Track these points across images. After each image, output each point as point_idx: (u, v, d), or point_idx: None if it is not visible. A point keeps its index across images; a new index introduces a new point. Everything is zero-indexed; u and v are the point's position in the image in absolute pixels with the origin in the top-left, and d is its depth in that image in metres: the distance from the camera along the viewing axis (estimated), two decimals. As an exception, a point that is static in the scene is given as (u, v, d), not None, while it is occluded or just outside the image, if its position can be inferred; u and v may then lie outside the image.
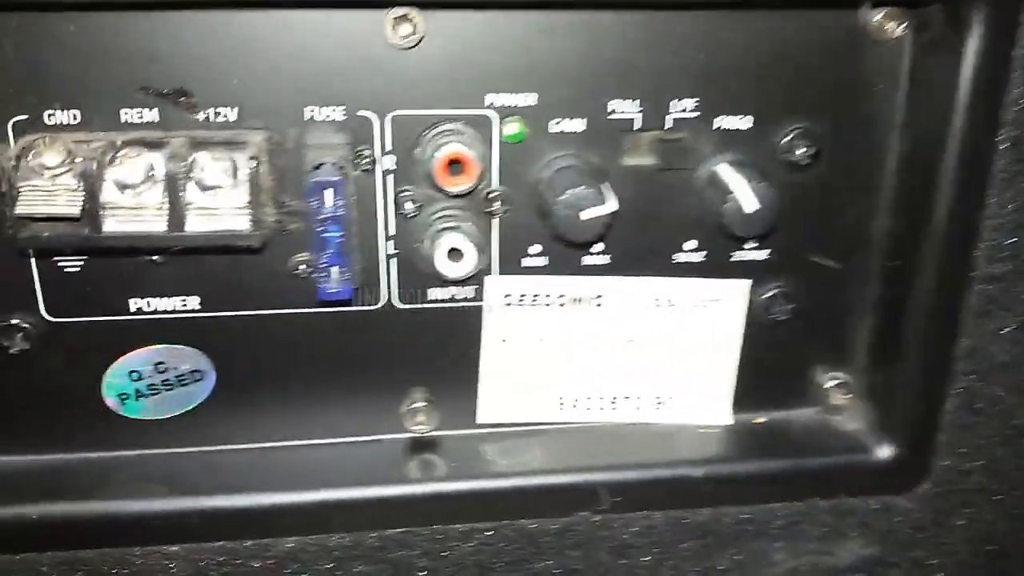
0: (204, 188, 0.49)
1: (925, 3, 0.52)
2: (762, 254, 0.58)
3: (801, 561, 0.65)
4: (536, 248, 0.56)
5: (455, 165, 0.52)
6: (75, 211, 0.47)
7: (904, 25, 0.53)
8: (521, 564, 0.60)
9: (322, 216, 0.50)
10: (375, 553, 0.58)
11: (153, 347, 0.57)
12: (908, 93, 0.55)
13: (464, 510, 0.58)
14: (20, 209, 0.47)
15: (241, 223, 0.49)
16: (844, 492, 0.62)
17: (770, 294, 0.59)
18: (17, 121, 0.49)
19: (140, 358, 0.57)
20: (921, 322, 0.58)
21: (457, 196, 0.53)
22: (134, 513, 0.56)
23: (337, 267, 0.51)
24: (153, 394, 0.58)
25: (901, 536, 0.64)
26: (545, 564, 0.60)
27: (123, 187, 0.48)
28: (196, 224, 0.49)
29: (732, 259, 0.58)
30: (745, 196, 0.52)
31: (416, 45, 0.50)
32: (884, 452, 0.61)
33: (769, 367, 0.62)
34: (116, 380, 0.57)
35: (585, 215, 0.51)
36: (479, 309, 0.58)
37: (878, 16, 0.53)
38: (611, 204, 0.51)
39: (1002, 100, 0.52)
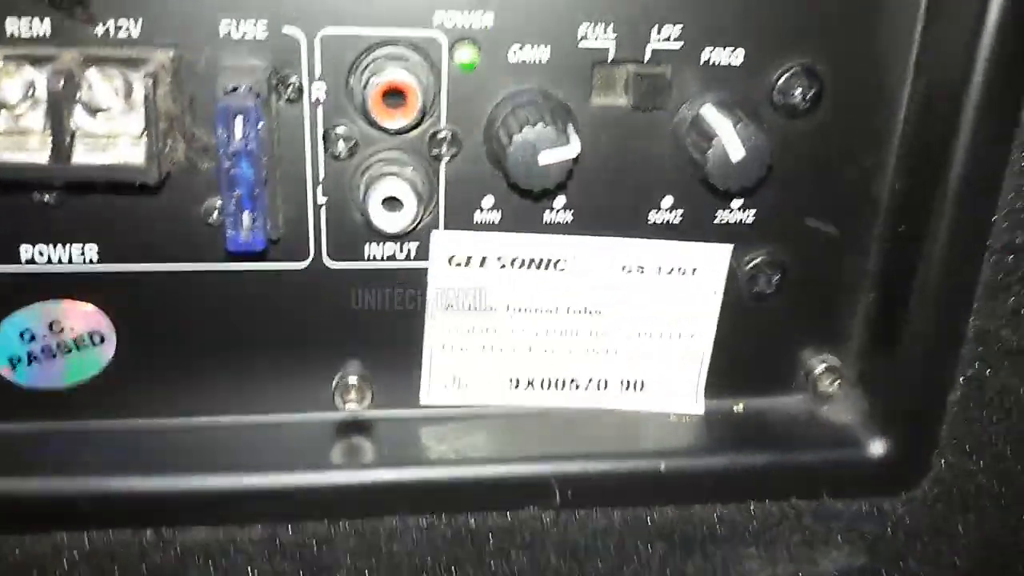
0: (92, 112, 0.40)
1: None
2: (748, 215, 0.51)
3: (778, 570, 0.58)
4: (489, 200, 0.49)
5: (394, 96, 0.44)
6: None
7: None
8: (460, 565, 0.52)
9: (231, 149, 0.42)
10: (294, 549, 0.50)
11: (47, 303, 0.49)
12: (925, 25, 0.48)
13: (395, 502, 0.51)
14: None
15: (135, 155, 0.41)
16: (830, 492, 0.55)
17: (755, 263, 0.52)
18: None
19: (32, 315, 0.49)
20: (928, 298, 0.51)
21: (397, 133, 0.46)
22: (20, 493, 0.50)
23: (248, 212, 0.43)
24: (48, 359, 0.49)
25: (893, 544, 0.57)
26: (487, 566, 0.52)
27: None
28: (84, 155, 0.42)
29: (714, 221, 0.51)
30: (731, 142, 0.44)
31: (349, -49, 0.42)
32: (877, 447, 0.54)
33: (750, 347, 0.55)
34: (5, 341, 0.50)
35: (543, 158, 0.43)
36: (423, 271, 0.49)
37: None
38: (573, 147, 0.44)
39: None
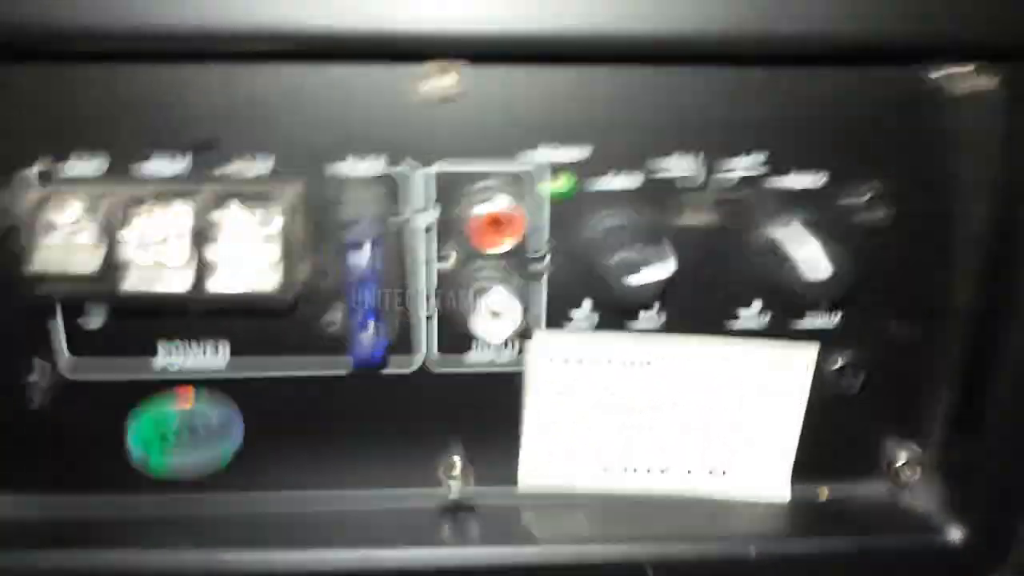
0: (232, 243, 0.45)
1: (1009, 58, 0.47)
2: (833, 320, 0.53)
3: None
4: (586, 306, 0.53)
5: (497, 223, 0.48)
6: (94, 268, 0.44)
7: (990, 79, 0.48)
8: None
9: (356, 276, 0.46)
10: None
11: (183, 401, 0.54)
12: (993, 152, 0.50)
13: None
14: (37, 266, 0.44)
15: (270, 282, 0.46)
16: (909, 576, 0.57)
17: (839, 365, 0.54)
18: (37, 171, 0.47)
19: (171, 412, 0.54)
20: (1003, 395, 0.53)
21: (500, 256, 0.50)
22: (158, 566, 0.54)
23: (371, 328, 0.47)
24: (179, 448, 0.54)
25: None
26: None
27: (145, 243, 0.45)
28: (221, 282, 0.46)
29: (797, 327, 0.53)
30: (819, 260, 0.47)
31: (457, 97, 0.46)
32: (955, 534, 0.56)
33: (835, 437, 0.57)
34: (143, 433, 0.55)
35: (640, 279, 0.47)
36: (521, 368, 0.54)
37: (959, 71, 0.47)
38: (669, 266, 0.47)
39: None
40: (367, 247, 0.46)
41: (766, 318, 0.53)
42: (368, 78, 0.47)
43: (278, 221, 0.46)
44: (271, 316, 0.50)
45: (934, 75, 0.49)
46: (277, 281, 0.46)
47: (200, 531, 0.55)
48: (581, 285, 0.52)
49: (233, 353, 0.53)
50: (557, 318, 0.53)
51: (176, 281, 0.46)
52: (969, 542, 0.56)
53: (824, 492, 0.59)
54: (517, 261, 0.51)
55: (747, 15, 0.43)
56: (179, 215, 0.45)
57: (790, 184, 0.50)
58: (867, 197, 0.50)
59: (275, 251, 0.46)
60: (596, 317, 0.53)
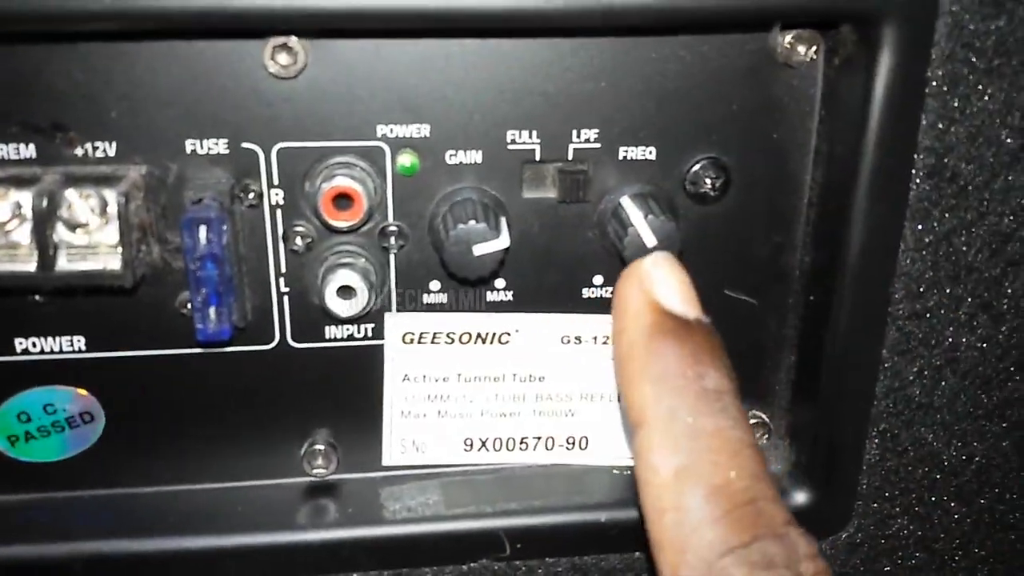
0: (72, 226, 0.46)
1: (836, 24, 0.50)
2: (673, 291, 0.55)
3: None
4: (436, 284, 0.54)
5: (342, 200, 0.49)
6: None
7: (815, 48, 0.51)
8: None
9: (197, 254, 0.47)
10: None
11: (41, 388, 0.54)
12: (821, 119, 0.53)
13: (356, 558, 0.55)
14: None
15: (113, 262, 0.47)
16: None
17: (682, 332, 0.56)
18: None
19: (27, 399, 0.55)
20: (838, 361, 0.55)
21: (348, 231, 0.51)
22: (18, 559, 0.54)
23: (214, 307, 0.48)
24: (43, 436, 0.55)
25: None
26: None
27: (-8, 226, 0.46)
28: (67, 263, 0.47)
29: (643, 296, 0.55)
30: (644, 231, 0.50)
31: (299, 75, 0.48)
32: (801, 496, 0.58)
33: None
34: (4, 423, 0.55)
35: (477, 251, 0.49)
36: (380, 348, 0.55)
37: (788, 39, 0.50)
38: (503, 240, 0.49)
39: (918, 124, 0.50)
40: (207, 225, 0.47)
41: (609, 291, 0.55)
42: (211, 57, 0.48)
43: (117, 203, 0.46)
44: (120, 297, 0.50)
45: (761, 44, 0.51)
46: (119, 262, 0.47)
47: (59, 521, 0.56)
48: (430, 263, 0.53)
49: (89, 339, 0.53)
50: (409, 296, 0.55)
51: (22, 262, 0.46)
52: (814, 503, 0.59)
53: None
54: (367, 238, 0.52)
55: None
56: (23, 198, 0.46)
57: (624, 156, 0.52)
58: (700, 166, 0.52)
59: (115, 232, 0.46)
60: (446, 296, 0.54)
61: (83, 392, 0.55)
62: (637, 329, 0.42)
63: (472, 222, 0.49)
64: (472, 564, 0.57)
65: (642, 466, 0.40)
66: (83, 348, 0.53)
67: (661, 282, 0.43)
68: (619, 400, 0.57)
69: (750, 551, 0.37)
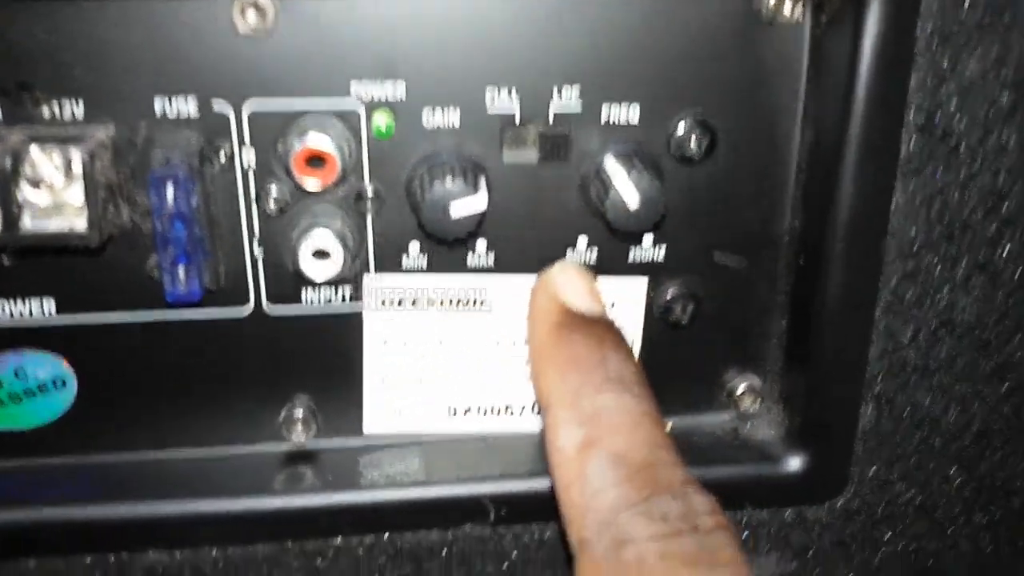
0: (37, 184, 0.45)
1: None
2: (660, 253, 0.54)
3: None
4: (415, 247, 0.53)
5: (315, 160, 0.48)
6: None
7: (801, 6, 0.49)
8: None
9: (164, 213, 0.46)
10: (247, 569, 0.54)
11: (10, 352, 0.53)
12: (809, 78, 0.51)
13: (335, 524, 0.54)
14: None
15: (79, 222, 0.46)
16: (752, 504, 0.57)
17: (670, 296, 0.55)
18: None
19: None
20: (831, 324, 0.54)
21: (322, 193, 0.50)
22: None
23: (183, 266, 0.47)
24: (14, 403, 0.54)
25: (821, 553, 0.60)
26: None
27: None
28: (32, 223, 0.46)
29: (629, 260, 0.54)
30: (627, 191, 0.48)
31: (269, 33, 0.47)
32: (795, 463, 0.57)
33: (675, 371, 0.58)
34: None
35: (455, 211, 0.48)
36: (359, 313, 0.54)
37: (772, -3, 0.48)
38: (481, 200, 0.48)
39: (907, 82, 0.48)
40: (174, 182, 0.46)
41: (594, 253, 0.54)
42: (179, 14, 0.47)
43: (82, 161, 0.45)
44: (89, 259, 0.50)
45: (746, 3, 0.50)
46: (85, 222, 0.46)
47: (31, 489, 0.55)
48: (409, 225, 0.52)
49: (60, 302, 0.52)
50: (388, 260, 0.53)
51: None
52: (808, 469, 0.57)
53: (667, 425, 0.59)
54: (342, 200, 0.51)
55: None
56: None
57: (607, 116, 0.50)
58: (685, 127, 0.51)
59: (80, 192, 0.45)
60: (426, 258, 0.53)
61: (56, 357, 0.53)
62: (544, 326, 0.46)
63: (450, 181, 0.48)
64: (456, 531, 0.56)
65: (550, 447, 0.43)
66: (53, 312, 0.52)
67: (566, 285, 0.48)
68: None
69: (647, 505, 0.39)
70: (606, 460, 0.41)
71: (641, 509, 0.39)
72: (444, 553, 0.57)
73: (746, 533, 0.59)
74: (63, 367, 0.54)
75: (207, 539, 0.54)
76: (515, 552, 0.57)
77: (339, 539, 0.56)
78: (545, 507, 0.53)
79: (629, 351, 0.46)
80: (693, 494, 0.40)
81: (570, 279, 0.48)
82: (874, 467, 0.59)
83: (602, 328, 0.46)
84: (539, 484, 0.55)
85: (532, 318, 0.48)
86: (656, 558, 0.38)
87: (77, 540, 0.54)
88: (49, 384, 0.54)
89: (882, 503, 0.60)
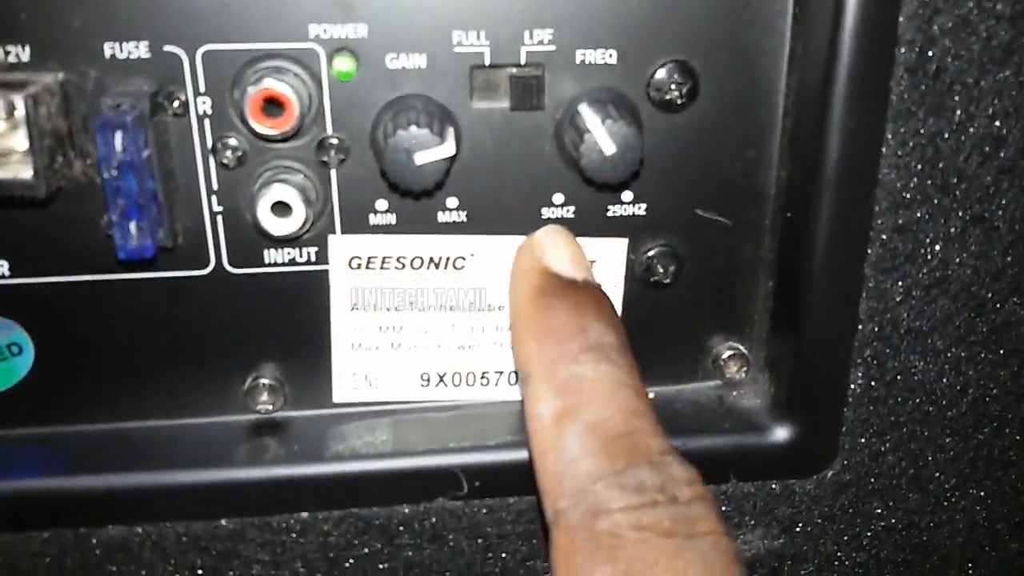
0: (-18, 133, 0.42)
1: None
2: (640, 208, 0.52)
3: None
4: (383, 204, 0.50)
5: (272, 105, 0.45)
6: None
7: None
8: (374, 557, 0.53)
9: (113, 163, 0.43)
10: (207, 543, 0.52)
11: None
12: (795, 16, 0.49)
13: (300, 498, 0.52)
14: None
15: (24, 171, 0.43)
16: (738, 476, 0.55)
17: (651, 253, 0.53)
18: None
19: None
20: (819, 282, 0.51)
21: (280, 141, 0.47)
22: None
23: (135, 221, 0.45)
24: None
25: (809, 527, 0.57)
26: (400, 556, 0.54)
27: None
28: (-28, 173, 0.43)
29: (608, 215, 0.52)
30: (601, 138, 0.46)
31: (221, -31, 0.44)
32: (782, 432, 0.54)
33: (658, 336, 0.55)
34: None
35: (419, 158, 0.45)
36: (325, 274, 0.51)
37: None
38: (448, 147, 0.45)
39: (897, 16, 0.46)
40: (122, 130, 0.43)
41: (572, 209, 0.51)
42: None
43: (25, 105, 0.43)
44: (42, 217, 0.47)
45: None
46: (30, 170, 0.43)
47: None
48: (375, 180, 0.50)
49: (12, 264, 0.50)
50: (354, 217, 0.51)
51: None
52: (796, 439, 0.55)
53: (648, 394, 0.56)
54: (303, 151, 0.48)
55: None
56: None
57: (582, 59, 0.48)
58: (664, 71, 0.48)
59: (24, 139, 0.43)
60: (395, 216, 0.51)
61: (10, 321, 0.51)
62: (524, 291, 0.45)
63: (414, 128, 0.45)
64: (428, 504, 0.53)
65: (528, 416, 0.42)
66: (7, 274, 0.49)
67: (550, 248, 0.47)
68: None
69: (623, 476, 0.39)
70: (582, 429, 0.40)
71: (617, 480, 0.39)
72: (416, 527, 0.54)
73: (730, 507, 0.56)
74: (18, 332, 0.51)
75: (168, 513, 0.52)
76: (490, 527, 0.54)
77: (306, 514, 0.53)
78: (521, 479, 0.51)
79: (613, 318, 0.45)
80: (672, 464, 0.40)
81: (555, 243, 0.47)
82: (864, 437, 0.56)
83: (585, 294, 0.45)
84: (514, 455, 0.53)
85: (514, 282, 0.47)
86: (630, 529, 0.37)
87: (33, 515, 0.52)
88: (4, 350, 0.51)
89: (873, 475, 0.57)
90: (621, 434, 0.40)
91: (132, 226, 0.45)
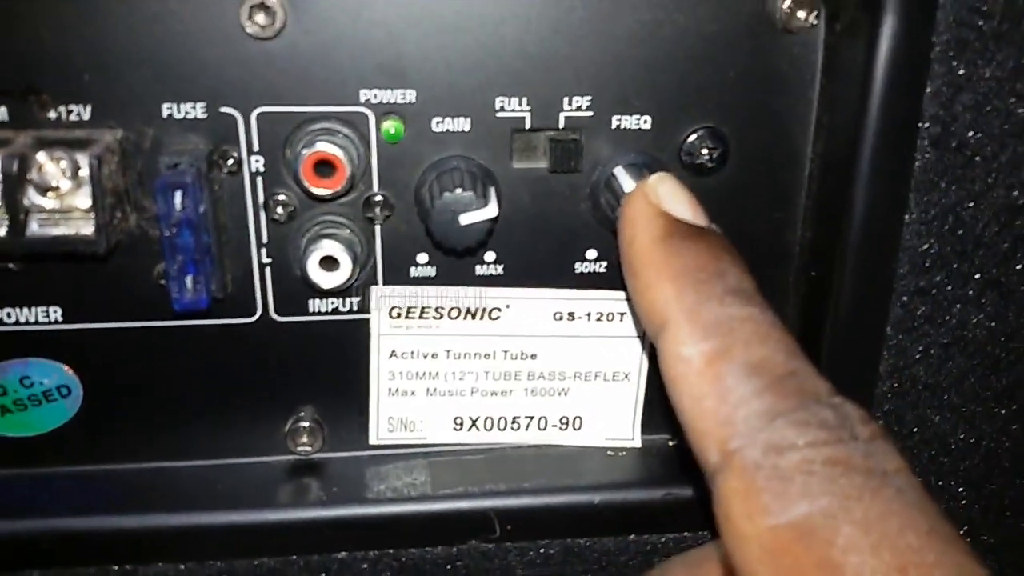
0: (44, 190, 0.44)
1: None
2: (669, 266, 0.53)
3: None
4: (423, 257, 0.52)
5: (324, 167, 0.48)
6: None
7: (816, 13, 0.49)
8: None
9: (171, 220, 0.46)
10: (249, 583, 0.54)
11: (16, 360, 0.53)
12: (822, 87, 0.51)
13: (339, 538, 0.54)
14: None
15: (86, 227, 0.45)
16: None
17: (679, 309, 0.54)
18: None
19: (4, 372, 0.53)
20: (841, 339, 0.53)
21: (330, 200, 0.49)
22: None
23: (191, 275, 0.47)
24: (20, 411, 0.53)
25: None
26: (434, 597, 0.56)
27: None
28: (39, 228, 0.46)
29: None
30: (637, 202, 0.47)
31: (277, 35, 0.46)
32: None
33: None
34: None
35: (464, 220, 0.47)
36: (366, 322, 0.53)
37: (787, 3, 0.48)
38: (491, 209, 0.47)
39: (922, 92, 0.48)
40: (182, 189, 0.45)
41: (603, 265, 0.53)
42: (186, 16, 0.46)
43: (90, 165, 0.45)
44: (96, 266, 0.49)
45: (759, 8, 0.49)
46: (92, 227, 0.45)
47: (35, 498, 0.54)
48: (417, 234, 0.52)
49: (66, 310, 0.52)
50: (396, 269, 0.53)
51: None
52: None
53: (674, 440, 0.59)
54: (351, 208, 0.50)
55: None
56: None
57: (618, 124, 0.50)
58: (696, 136, 0.50)
59: (87, 197, 0.45)
60: (435, 269, 0.53)
61: (61, 364, 0.53)
62: (650, 234, 0.42)
63: (459, 190, 0.47)
64: (461, 546, 0.55)
65: (671, 363, 0.39)
66: (60, 319, 0.51)
67: (669, 195, 0.44)
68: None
69: (803, 412, 0.36)
70: (743, 369, 0.37)
71: (797, 416, 0.36)
72: (449, 569, 0.56)
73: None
74: (68, 375, 0.53)
75: (212, 551, 0.53)
76: (520, 569, 0.56)
77: (343, 553, 0.55)
78: (552, 523, 0.53)
79: (745, 265, 0.42)
80: (844, 403, 0.37)
81: (672, 189, 0.45)
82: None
83: (716, 239, 0.43)
84: (546, 500, 0.54)
85: (631, 228, 0.43)
86: (823, 464, 0.34)
87: (81, 551, 0.54)
88: (54, 392, 0.53)
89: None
90: (785, 374, 0.37)
91: (188, 280, 0.47)
